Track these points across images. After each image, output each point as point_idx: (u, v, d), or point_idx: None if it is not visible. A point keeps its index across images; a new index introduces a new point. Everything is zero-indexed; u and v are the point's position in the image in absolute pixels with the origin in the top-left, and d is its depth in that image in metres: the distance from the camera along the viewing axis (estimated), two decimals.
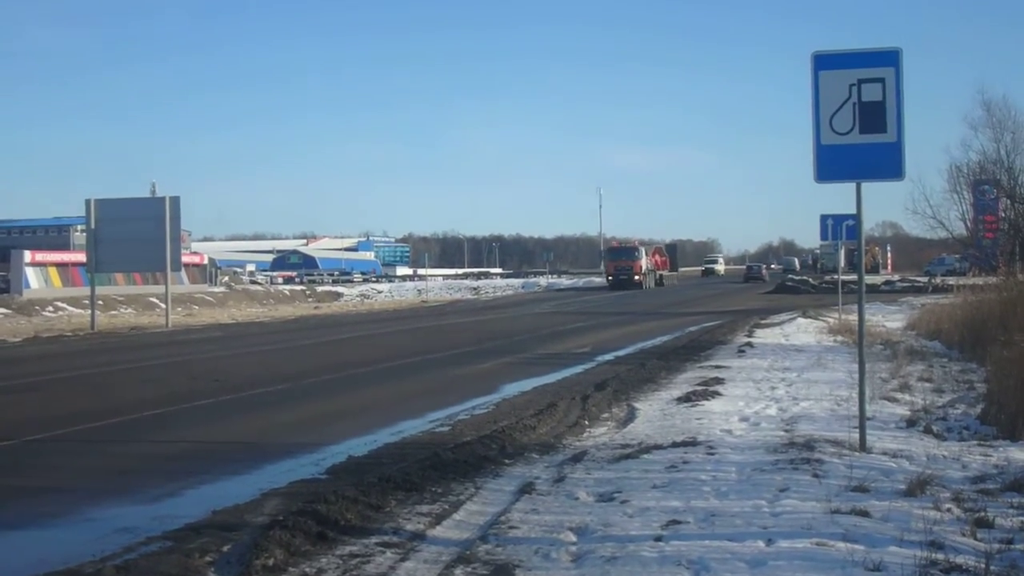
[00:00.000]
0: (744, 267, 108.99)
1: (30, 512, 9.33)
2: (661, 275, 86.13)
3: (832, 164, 10.85)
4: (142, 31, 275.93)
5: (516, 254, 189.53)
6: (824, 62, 10.90)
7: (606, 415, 14.06)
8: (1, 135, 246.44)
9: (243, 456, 11.77)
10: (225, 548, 7.47)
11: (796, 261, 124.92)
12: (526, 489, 9.25)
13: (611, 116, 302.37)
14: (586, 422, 13.40)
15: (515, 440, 11.83)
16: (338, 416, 15.06)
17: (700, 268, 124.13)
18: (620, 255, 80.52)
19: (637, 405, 14.66)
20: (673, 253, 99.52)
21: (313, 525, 7.75)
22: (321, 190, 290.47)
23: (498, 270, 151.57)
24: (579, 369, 20.62)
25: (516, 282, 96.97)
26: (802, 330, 29.72)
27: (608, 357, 23.21)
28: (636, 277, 77.67)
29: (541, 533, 7.72)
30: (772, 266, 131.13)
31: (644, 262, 79.32)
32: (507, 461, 10.74)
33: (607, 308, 48.63)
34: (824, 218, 30.89)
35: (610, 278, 79.79)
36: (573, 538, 7.55)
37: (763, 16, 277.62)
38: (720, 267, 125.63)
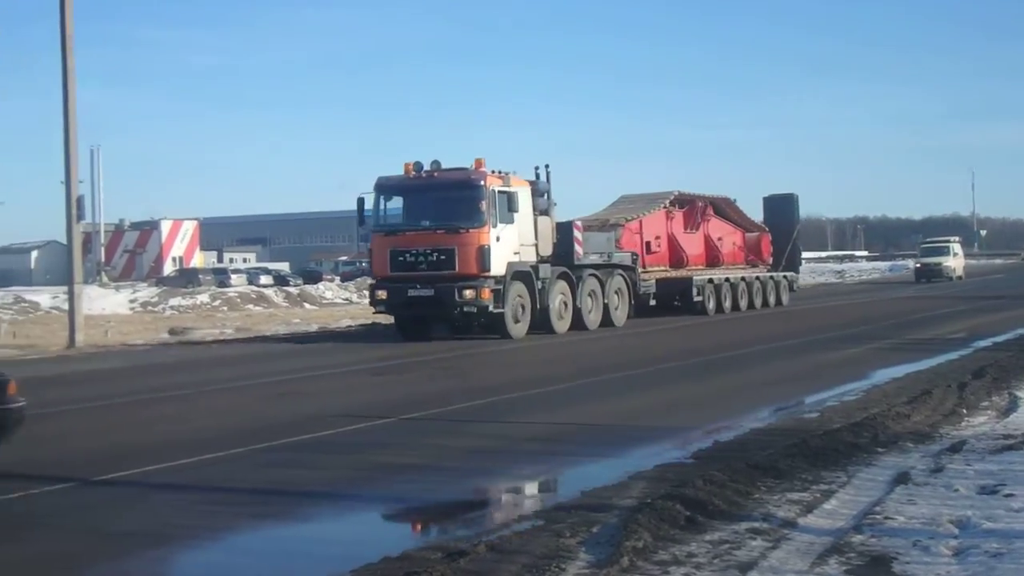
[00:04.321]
0: None
1: (411, 487, 9.75)
2: (746, 281, 36.19)
3: None
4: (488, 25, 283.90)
5: (881, 236, 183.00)
6: None
7: (985, 404, 13.31)
8: (302, 135, 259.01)
9: (607, 439, 11.91)
10: (594, 529, 7.52)
11: None
12: (901, 479, 8.87)
13: (988, 90, 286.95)
14: (963, 410, 12.73)
15: (887, 428, 11.37)
16: (699, 401, 14.98)
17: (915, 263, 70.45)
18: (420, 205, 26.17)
19: (1020, 394, 13.80)
20: (789, 217, 40.72)
21: (681, 509, 7.70)
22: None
23: (863, 253, 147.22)
24: (953, 355, 19.63)
25: (882, 265, 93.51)
26: None
27: (985, 343, 21.99)
28: (467, 294, 24.54)
29: (919, 525, 7.38)
30: None
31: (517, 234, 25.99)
32: (879, 450, 10.33)
33: (980, 292, 46.25)
34: None
35: (374, 297, 26.62)
36: (954, 531, 7.17)
37: None
38: (954, 263, 64.65)
